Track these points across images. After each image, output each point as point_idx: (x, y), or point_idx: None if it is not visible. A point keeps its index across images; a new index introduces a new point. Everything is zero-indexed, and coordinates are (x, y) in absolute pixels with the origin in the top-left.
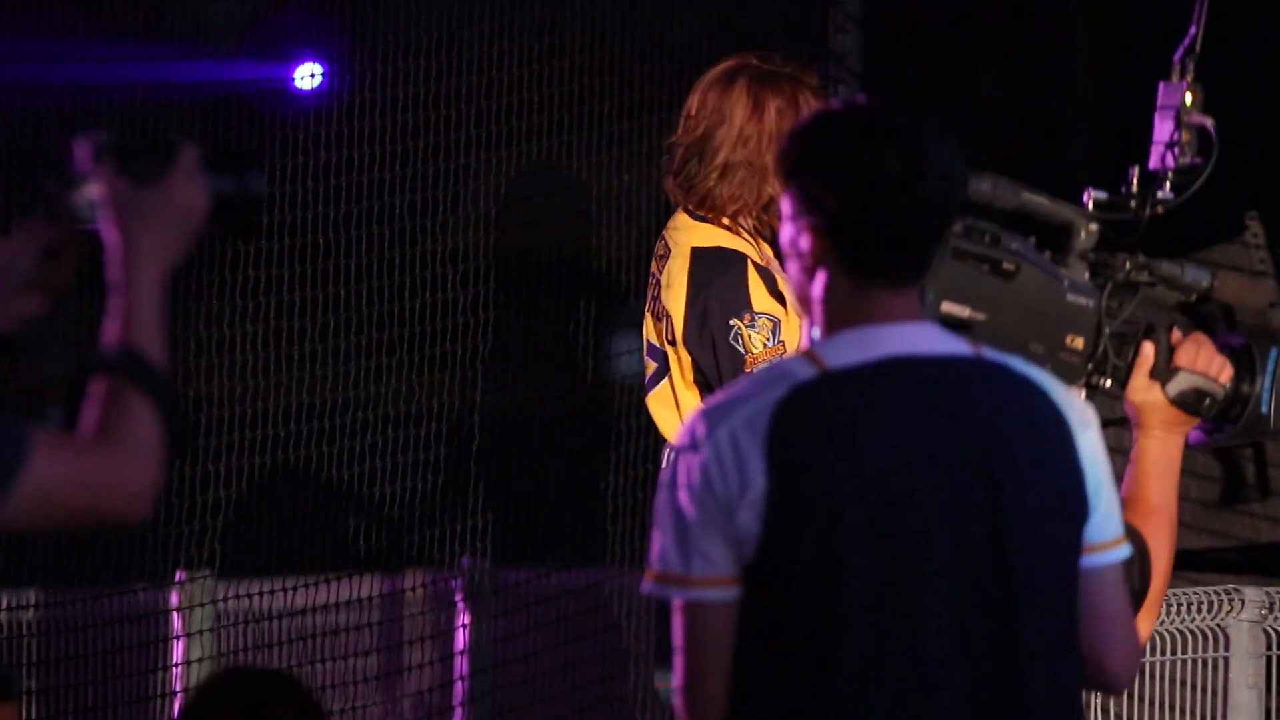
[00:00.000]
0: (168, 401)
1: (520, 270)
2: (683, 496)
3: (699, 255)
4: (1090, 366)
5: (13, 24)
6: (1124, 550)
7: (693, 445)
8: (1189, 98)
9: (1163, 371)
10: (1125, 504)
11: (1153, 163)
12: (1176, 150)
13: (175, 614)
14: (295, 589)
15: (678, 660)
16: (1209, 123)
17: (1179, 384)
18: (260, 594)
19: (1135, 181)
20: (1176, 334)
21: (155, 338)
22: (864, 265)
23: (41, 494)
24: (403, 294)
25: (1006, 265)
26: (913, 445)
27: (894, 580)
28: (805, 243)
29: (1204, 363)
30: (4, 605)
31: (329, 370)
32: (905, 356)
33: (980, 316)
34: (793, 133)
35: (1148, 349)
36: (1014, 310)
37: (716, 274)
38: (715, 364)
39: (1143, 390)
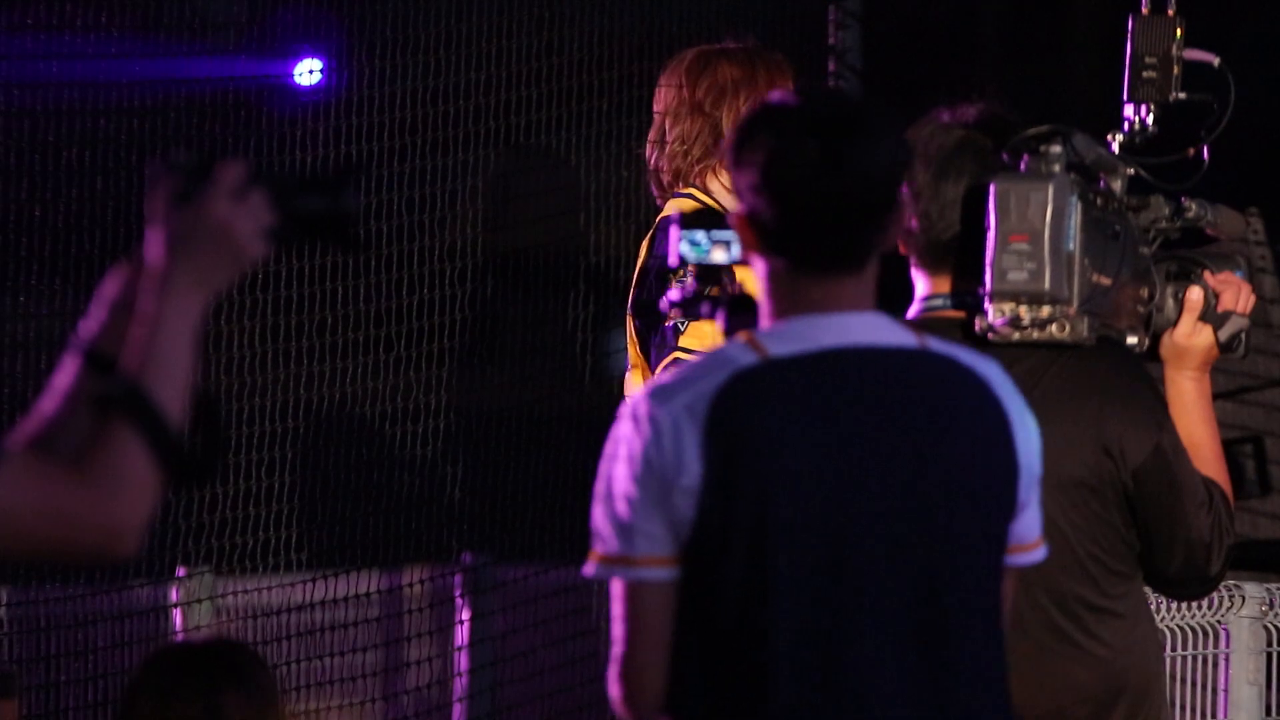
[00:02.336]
0: (165, 444)
1: (518, 266)
2: (625, 478)
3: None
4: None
5: (9, 20)
6: (1041, 552)
7: (635, 426)
8: (1178, 32)
9: (1214, 315)
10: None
11: (1129, 105)
12: (1161, 87)
13: (175, 610)
14: (294, 585)
15: (616, 641)
16: (1214, 60)
17: (1230, 327)
18: (259, 590)
19: (1146, 123)
20: (1209, 275)
21: (171, 372)
22: (792, 254)
23: None
24: (400, 290)
25: (1117, 228)
26: (852, 436)
27: (825, 570)
28: (741, 229)
29: (1244, 303)
30: (4, 601)
31: (326, 366)
32: (848, 347)
33: (1107, 283)
34: (737, 123)
35: (1196, 294)
36: (1122, 273)
37: (654, 240)
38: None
39: (1188, 334)
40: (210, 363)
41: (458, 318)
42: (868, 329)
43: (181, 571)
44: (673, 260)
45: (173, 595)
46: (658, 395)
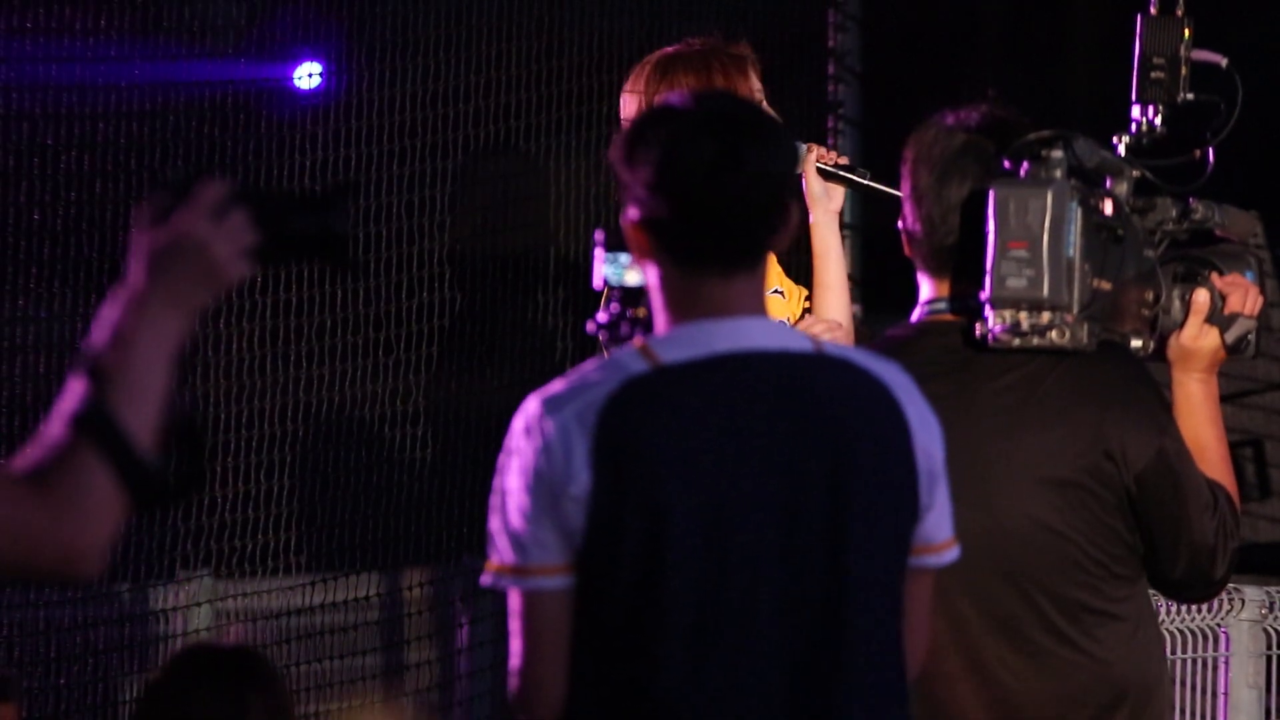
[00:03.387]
0: (130, 466)
1: (518, 270)
2: (517, 487)
3: None
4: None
5: (8, 23)
6: (953, 553)
7: (526, 434)
8: (1186, 33)
9: (1221, 318)
10: (1192, 455)
11: (1136, 106)
12: (1170, 88)
13: (174, 613)
14: (294, 588)
15: (514, 648)
16: (1222, 61)
17: (1237, 330)
18: (259, 593)
19: (1154, 124)
20: (1216, 277)
21: (143, 392)
22: (687, 255)
23: None
24: (400, 293)
25: (1120, 231)
26: (745, 443)
27: (719, 577)
28: (634, 234)
29: (1251, 305)
30: (3, 604)
31: (325, 369)
32: (742, 352)
33: (1109, 287)
34: (629, 125)
35: (1203, 296)
36: (1125, 277)
37: None
38: None
39: (1195, 337)
40: (209, 366)
41: (457, 321)
42: (761, 333)
43: (180, 574)
44: (597, 283)
45: (172, 598)
46: (549, 404)
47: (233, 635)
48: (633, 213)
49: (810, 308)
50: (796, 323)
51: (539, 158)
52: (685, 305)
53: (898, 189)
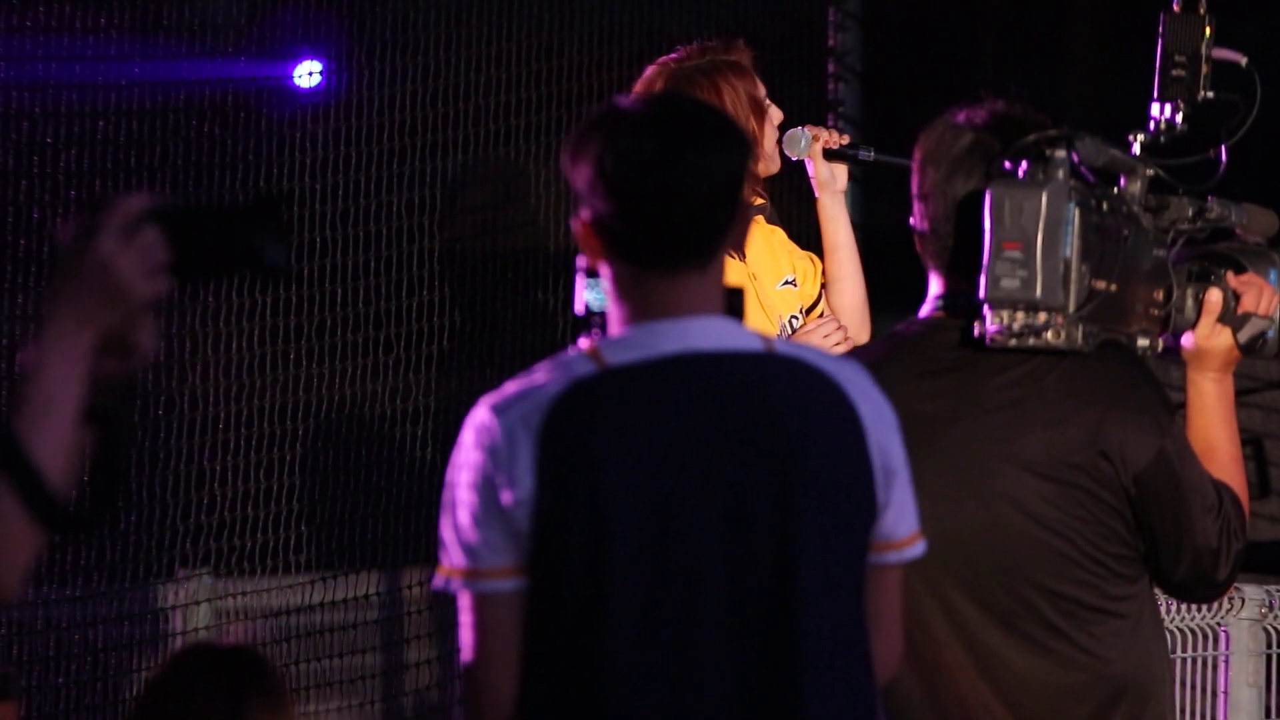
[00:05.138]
0: (36, 494)
1: (518, 268)
2: (466, 489)
3: None
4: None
5: (8, 22)
6: (916, 549)
7: (475, 437)
8: (1208, 31)
9: (1234, 317)
10: (1201, 455)
11: (1156, 103)
12: (1190, 86)
13: (174, 612)
14: (294, 587)
15: (465, 649)
16: (1242, 59)
17: (1250, 329)
18: (258, 592)
19: (1174, 122)
20: (1231, 276)
21: (49, 416)
22: (632, 255)
23: None
24: (399, 292)
25: (1125, 231)
26: (689, 445)
27: (662, 579)
28: (585, 234)
29: (1266, 305)
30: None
31: (325, 368)
32: (690, 353)
33: (1109, 287)
34: (576, 126)
35: (1215, 296)
36: (1131, 277)
37: None
38: None
39: (1207, 336)
40: (209, 364)
41: (457, 320)
42: (710, 333)
43: (180, 573)
44: (579, 308)
45: (172, 597)
46: (496, 407)
47: (233, 634)
48: (582, 213)
49: (826, 282)
50: (812, 307)
51: (539, 156)
52: (635, 306)
53: (903, 158)
